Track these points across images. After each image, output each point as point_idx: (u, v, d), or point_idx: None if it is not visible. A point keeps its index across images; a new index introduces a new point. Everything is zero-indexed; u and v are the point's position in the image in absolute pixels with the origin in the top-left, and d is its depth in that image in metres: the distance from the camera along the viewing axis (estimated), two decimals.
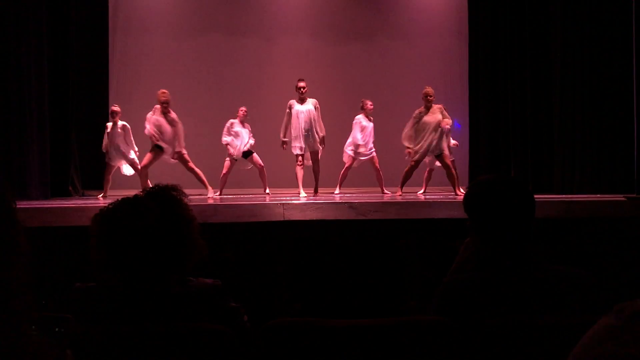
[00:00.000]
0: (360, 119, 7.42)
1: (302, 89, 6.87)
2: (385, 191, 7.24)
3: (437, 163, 7.07)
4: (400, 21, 9.52)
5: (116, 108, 7.29)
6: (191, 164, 6.97)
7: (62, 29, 7.20)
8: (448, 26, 9.50)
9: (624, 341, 0.58)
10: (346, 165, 7.38)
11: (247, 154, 7.26)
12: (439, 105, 6.99)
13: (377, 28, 9.48)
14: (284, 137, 6.99)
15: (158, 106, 6.90)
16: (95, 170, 8.22)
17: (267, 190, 7.22)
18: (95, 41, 8.25)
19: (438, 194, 7.10)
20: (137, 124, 8.81)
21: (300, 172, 6.93)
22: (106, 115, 8.45)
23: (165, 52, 8.94)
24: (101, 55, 8.37)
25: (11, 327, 0.84)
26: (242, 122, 7.38)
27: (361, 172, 7.80)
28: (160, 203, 1.76)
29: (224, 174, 7.20)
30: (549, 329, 1.52)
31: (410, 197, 6.48)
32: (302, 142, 6.86)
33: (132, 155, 7.28)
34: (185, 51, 8.99)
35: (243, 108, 7.46)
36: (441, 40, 9.50)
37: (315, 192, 6.94)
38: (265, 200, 5.95)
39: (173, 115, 6.93)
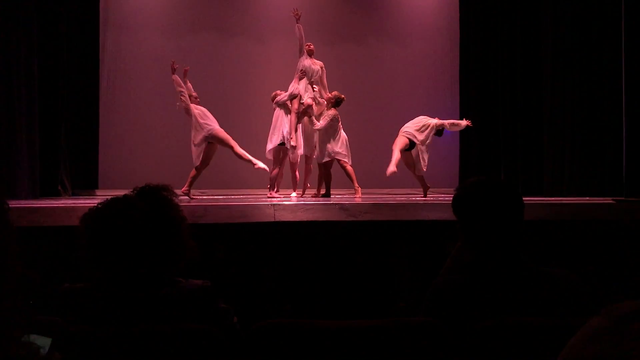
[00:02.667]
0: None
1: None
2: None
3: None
4: (391, 23, 9.55)
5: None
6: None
7: (52, 27, 7.14)
8: (439, 28, 9.54)
9: (613, 342, 0.59)
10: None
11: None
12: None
13: (369, 30, 9.50)
14: None
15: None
16: (85, 169, 8.18)
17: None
18: (86, 39, 8.20)
19: (429, 196, 7.12)
20: (128, 122, 8.78)
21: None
22: (97, 113, 8.41)
23: (156, 51, 8.90)
24: (92, 53, 8.32)
25: (2, 329, 0.84)
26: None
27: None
28: (151, 203, 1.75)
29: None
30: (538, 330, 1.53)
31: (401, 199, 6.49)
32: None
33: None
34: (176, 50, 8.95)
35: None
36: (432, 42, 9.53)
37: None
38: (257, 201, 5.94)
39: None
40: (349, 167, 6.89)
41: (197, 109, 6.72)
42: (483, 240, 1.75)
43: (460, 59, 9.13)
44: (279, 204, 4.86)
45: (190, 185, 6.50)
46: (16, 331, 0.86)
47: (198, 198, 6.40)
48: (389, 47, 9.51)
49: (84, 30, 8.12)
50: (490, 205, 1.74)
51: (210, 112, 8.87)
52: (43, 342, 0.98)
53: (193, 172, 6.55)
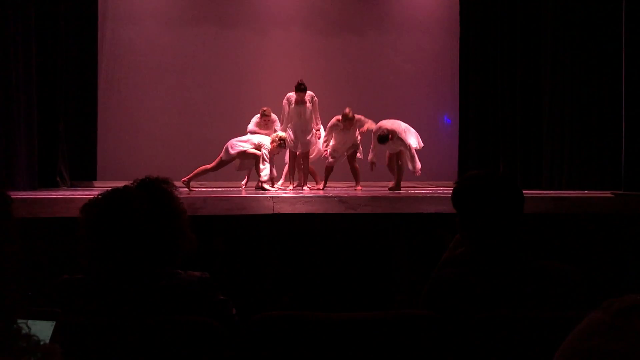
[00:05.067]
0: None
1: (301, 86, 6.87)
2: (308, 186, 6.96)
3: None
4: (392, 16, 9.52)
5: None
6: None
7: (50, 18, 7.11)
8: (440, 21, 9.51)
9: (612, 337, 0.59)
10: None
11: None
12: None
13: (369, 22, 9.47)
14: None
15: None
16: (84, 160, 8.18)
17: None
18: (85, 30, 8.16)
19: (427, 189, 7.12)
20: (126, 114, 8.77)
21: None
22: (95, 105, 8.39)
23: (155, 43, 8.87)
24: (90, 44, 8.29)
25: (3, 320, 0.84)
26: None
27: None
28: (151, 195, 1.75)
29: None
30: (537, 323, 1.54)
31: (400, 192, 6.49)
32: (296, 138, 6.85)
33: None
34: (176, 42, 8.93)
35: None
36: (432, 35, 9.51)
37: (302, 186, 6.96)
38: (256, 193, 5.94)
39: None
40: (356, 165, 6.94)
41: None
42: (482, 234, 1.75)
43: (460, 51, 9.11)
44: (278, 196, 4.85)
45: (193, 178, 6.48)
46: (18, 322, 0.86)
47: (197, 190, 6.40)
48: (388, 39, 9.48)
49: (82, 21, 8.08)
50: (490, 198, 1.74)
51: (209, 103, 8.88)
52: (43, 328, 0.98)
53: (203, 168, 6.52)
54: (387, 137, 6.43)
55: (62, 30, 7.37)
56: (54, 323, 1.02)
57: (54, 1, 7.17)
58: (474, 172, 1.84)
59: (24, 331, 0.87)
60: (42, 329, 0.94)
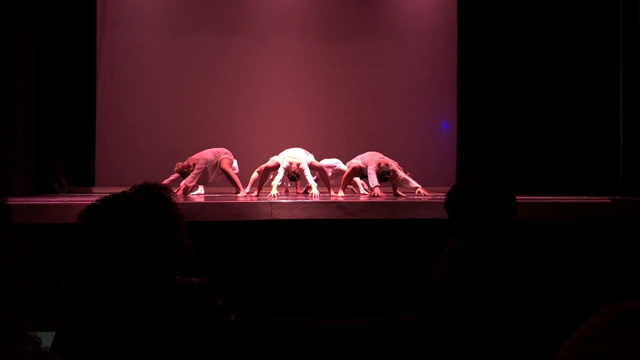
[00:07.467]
0: None
1: None
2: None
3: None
4: (389, 21, 9.55)
5: None
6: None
7: (49, 24, 7.12)
8: (437, 26, 9.55)
9: (610, 342, 0.59)
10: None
11: None
12: None
13: (367, 28, 9.50)
14: None
15: None
16: (82, 166, 8.17)
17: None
18: (83, 36, 8.18)
19: (426, 194, 7.11)
20: (124, 120, 8.77)
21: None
22: (93, 110, 8.39)
23: (153, 50, 8.89)
24: (89, 50, 8.31)
25: (7, 330, 0.84)
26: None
27: None
28: (148, 201, 1.75)
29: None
30: (535, 329, 1.54)
31: (399, 197, 6.49)
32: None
33: None
34: (174, 49, 8.95)
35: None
36: (430, 41, 9.54)
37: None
38: (255, 200, 5.93)
39: None
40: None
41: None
42: (476, 239, 1.75)
43: (458, 57, 9.14)
44: (276, 202, 4.85)
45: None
46: (21, 328, 0.86)
47: (194, 195, 6.40)
48: (386, 45, 9.50)
49: (81, 27, 8.10)
50: (482, 204, 1.74)
51: (207, 110, 8.89)
52: (43, 339, 0.98)
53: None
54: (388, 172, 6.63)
55: (60, 37, 7.38)
56: (54, 334, 1.02)
57: (52, 8, 7.18)
58: (467, 179, 1.86)
59: (31, 333, 0.87)
60: (42, 340, 0.94)
